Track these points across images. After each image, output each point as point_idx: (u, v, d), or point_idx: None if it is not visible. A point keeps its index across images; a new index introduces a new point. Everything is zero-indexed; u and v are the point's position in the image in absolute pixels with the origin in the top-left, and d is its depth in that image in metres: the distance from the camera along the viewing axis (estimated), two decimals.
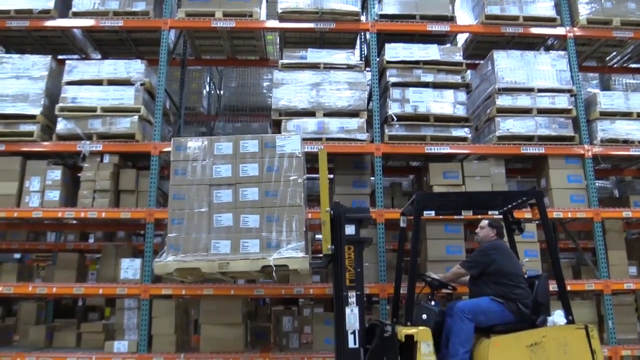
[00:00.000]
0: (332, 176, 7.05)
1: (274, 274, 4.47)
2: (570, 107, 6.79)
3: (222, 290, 6.15)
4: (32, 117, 6.54)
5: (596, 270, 6.55)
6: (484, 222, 5.06)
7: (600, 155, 6.78)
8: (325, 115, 6.51)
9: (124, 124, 6.47)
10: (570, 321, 4.60)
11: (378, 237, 6.21)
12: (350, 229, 4.71)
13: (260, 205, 4.70)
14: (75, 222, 7.64)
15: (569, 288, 6.43)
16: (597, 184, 6.79)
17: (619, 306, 6.49)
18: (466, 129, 6.68)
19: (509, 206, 5.36)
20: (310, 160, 7.84)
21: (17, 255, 11.89)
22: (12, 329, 7.38)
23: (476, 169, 6.63)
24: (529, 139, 6.71)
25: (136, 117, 6.46)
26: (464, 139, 6.64)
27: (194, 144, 4.86)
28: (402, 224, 5.39)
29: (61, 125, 6.52)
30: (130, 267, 6.18)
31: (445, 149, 6.52)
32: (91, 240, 10.05)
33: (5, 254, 11.09)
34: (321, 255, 4.79)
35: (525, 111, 6.76)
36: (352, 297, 4.59)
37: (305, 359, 5.85)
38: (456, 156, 7.00)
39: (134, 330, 6.18)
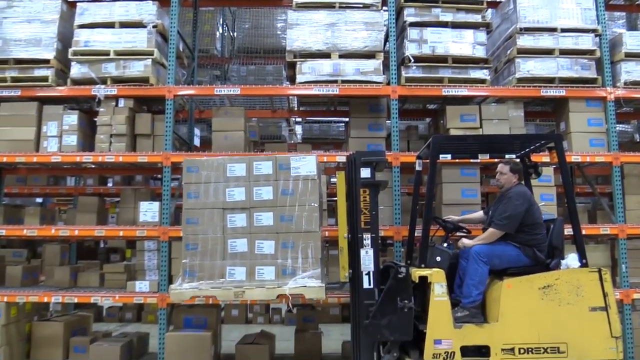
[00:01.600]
0: (347, 119, 7.00)
1: (289, 303, 4.51)
2: (594, 47, 6.56)
3: None
4: (46, 61, 6.51)
5: (612, 214, 6.52)
6: (505, 168, 4.93)
7: (622, 98, 6.60)
8: (341, 56, 6.39)
9: (137, 68, 6.42)
10: (584, 264, 4.62)
11: (393, 180, 6.21)
12: (365, 172, 4.71)
13: (275, 231, 4.62)
14: (93, 166, 7.72)
15: (584, 232, 6.47)
16: (617, 128, 6.65)
17: (633, 250, 6.51)
18: (485, 71, 6.53)
19: (527, 150, 5.30)
20: (326, 103, 7.85)
21: (38, 200, 12.18)
22: (38, 270, 7.66)
23: (494, 112, 6.51)
24: (549, 81, 6.54)
25: (149, 60, 6.40)
26: (482, 81, 6.49)
27: (206, 164, 4.73)
28: (417, 168, 5.37)
29: (75, 70, 6.49)
30: (149, 210, 6.29)
31: (463, 92, 6.40)
32: (110, 184, 10.23)
33: (27, 198, 11.37)
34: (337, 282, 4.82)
35: (547, 52, 6.55)
36: (367, 239, 4.65)
37: None
38: (474, 99, 6.87)
39: (154, 270, 6.38)
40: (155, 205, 6.30)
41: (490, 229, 4.77)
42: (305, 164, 4.67)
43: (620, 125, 8.99)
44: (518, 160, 5.28)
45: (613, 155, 6.40)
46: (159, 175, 7.17)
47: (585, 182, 7.88)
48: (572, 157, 6.33)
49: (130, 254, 9.40)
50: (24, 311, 6.47)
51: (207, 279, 4.55)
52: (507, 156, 5.42)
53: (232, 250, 4.59)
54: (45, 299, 6.27)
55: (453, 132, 6.37)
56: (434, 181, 4.93)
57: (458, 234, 5.29)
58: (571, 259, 4.70)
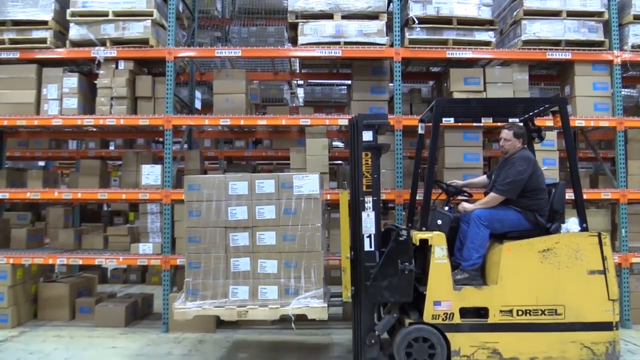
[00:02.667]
0: (349, 82, 6.93)
1: (292, 324, 4.49)
2: (603, 9, 6.42)
3: None
4: (44, 22, 6.40)
5: (614, 179, 6.52)
6: (509, 134, 4.87)
7: (629, 62, 6.49)
8: (344, 17, 6.27)
9: (137, 29, 6.32)
10: (584, 229, 4.65)
11: (396, 143, 6.19)
12: (367, 135, 4.68)
13: (278, 250, 4.57)
14: (94, 129, 7.73)
15: (585, 197, 6.49)
16: (622, 93, 6.57)
17: (633, 215, 6.54)
18: (490, 33, 6.42)
19: (531, 114, 5.25)
20: (328, 66, 7.76)
21: (41, 163, 12.22)
22: (42, 233, 7.73)
23: (498, 75, 6.44)
24: (555, 43, 6.44)
25: (149, 21, 6.29)
26: (487, 44, 6.40)
27: (208, 182, 4.65)
28: (420, 131, 5.34)
29: (74, 31, 6.39)
30: (151, 173, 6.30)
31: (468, 54, 6.31)
32: (112, 148, 10.21)
33: (30, 161, 11.40)
34: (340, 298, 4.79)
35: (554, 14, 6.42)
36: (368, 202, 4.65)
37: None
38: (478, 62, 6.78)
39: (157, 233, 6.44)
40: (157, 168, 6.31)
41: (492, 194, 4.77)
42: (308, 182, 4.61)
43: (626, 90, 8.89)
44: (522, 124, 5.25)
45: (617, 120, 6.35)
46: (161, 139, 7.15)
47: (588, 146, 7.86)
48: (576, 122, 6.29)
49: (133, 217, 9.51)
50: (29, 273, 6.58)
51: (210, 298, 4.55)
52: (510, 120, 5.38)
53: (235, 269, 4.58)
54: (51, 261, 6.36)
55: (456, 95, 6.31)
56: (437, 144, 4.91)
57: (459, 197, 5.31)
58: (571, 223, 4.72)
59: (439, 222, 4.68)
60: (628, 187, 6.35)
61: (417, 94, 7.37)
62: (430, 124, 4.88)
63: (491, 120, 5.64)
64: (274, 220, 4.59)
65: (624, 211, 6.29)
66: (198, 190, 4.63)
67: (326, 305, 4.48)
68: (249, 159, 10.29)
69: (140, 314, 6.73)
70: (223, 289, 4.57)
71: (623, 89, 6.85)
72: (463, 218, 4.83)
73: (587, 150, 9.06)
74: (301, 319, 4.48)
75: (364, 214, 4.64)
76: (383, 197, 5.80)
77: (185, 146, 7.48)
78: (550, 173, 6.14)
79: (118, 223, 9.72)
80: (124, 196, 6.41)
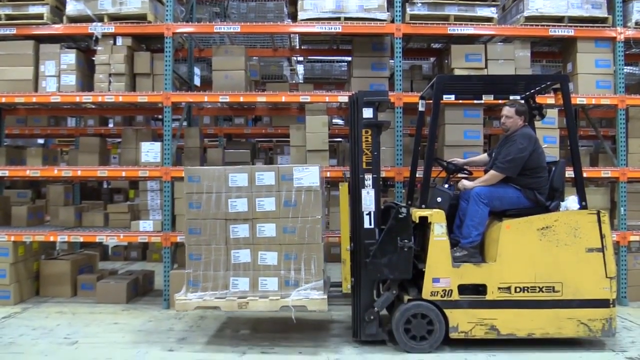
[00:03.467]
0: (350, 59, 6.87)
1: (292, 315, 4.50)
2: None
3: None
4: None
5: (614, 157, 6.51)
6: (510, 111, 4.85)
7: (632, 39, 6.43)
8: None
9: (134, 4, 6.23)
10: (583, 207, 4.66)
11: (396, 120, 6.16)
12: (368, 112, 4.67)
13: (278, 242, 4.58)
14: (93, 106, 7.68)
15: (585, 175, 6.48)
16: (625, 70, 6.52)
17: (633, 193, 6.54)
18: (492, 9, 6.34)
19: (532, 91, 5.22)
20: (328, 42, 7.68)
21: (40, 141, 12.18)
22: (43, 210, 7.75)
23: (500, 52, 6.37)
24: (558, 20, 6.36)
25: None
26: (489, 19, 6.32)
27: (208, 173, 4.63)
28: (420, 108, 5.31)
29: (71, 7, 6.31)
30: (150, 151, 6.28)
31: (469, 30, 6.23)
32: (111, 125, 10.18)
33: (29, 139, 11.36)
34: (340, 289, 4.83)
35: None
36: (368, 179, 4.67)
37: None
38: (480, 38, 6.70)
39: (157, 210, 6.45)
40: (157, 145, 6.28)
41: (492, 171, 4.77)
42: (308, 174, 4.59)
43: (628, 67, 8.81)
44: (523, 101, 5.22)
45: (619, 98, 6.31)
46: (160, 116, 7.12)
47: (589, 124, 7.83)
48: (578, 99, 6.25)
49: (133, 195, 9.51)
50: (31, 250, 6.61)
51: (211, 289, 4.59)
52: (511, 97, 5.35)
53: (235, 260, 4.61)
54: (52, 238, 6.38)
55: (458, 72, 6.26)
56: (437, 122, 4.89)
57: (459, 175, 5.30)
58: (571, 201, 4.74)
59: (439, 199, 4.70)
60: (628, 166, 6.35)
61: (417, 70, 7.31)
62: (431, 101, 4.85)
63: (492, 98, 5.61)
64: (274, 212, 4.60)
65: (624, 189, 6.29)
66: (198, 182, 4.63)
67: (326, 297, 4.52)
68: (248, 136, 10.26)
69: (141, 290, 6.79)
70: (224, 280, 4.60)
71: (625, 67, 6.79)
72: (463, 196, 4.84)
73: (587, 128, 9.04)
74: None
75: (363, 192, 4.65)
76: (383, 174, 5.80)
77: (185, 123, 7.45)
78: (551, 151, 6.12)
79: (118, 200, 9.74)
80: (123, 174, 6.40)
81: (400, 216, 4.57)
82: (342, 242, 4.78)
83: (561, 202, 4.75)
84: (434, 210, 4.60)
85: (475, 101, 6.09)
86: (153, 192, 6.51)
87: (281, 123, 9.04)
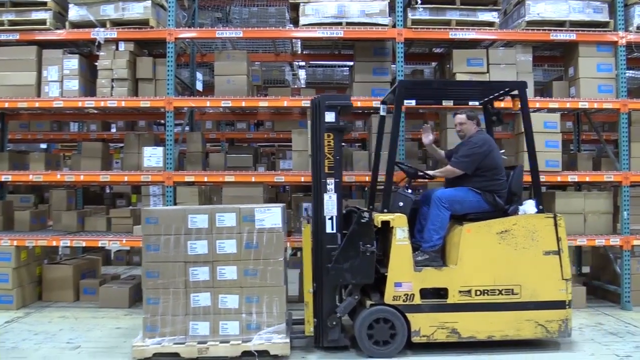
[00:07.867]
0: (351, 63, 6.88)
1: (256, 359, 4.40)
2: None
3: (243, 177, 6.30)
4: (43, 3, 6.34)
5: (617, 162, 6.50)
6: (462, 117, 4.99)
7: (634, 43, 6.43)
8: None
9: (137, 10, 6.26)
10: (540, 210, 4.73)
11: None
12: (330, 116, 4.63)
13: (239, 285, 4.47)
14: (96, 111, 7.70)
15: (588, 179, 6.50)
16: (627, 74, 6.52)
17: (636, 197, 6.52)
18: (494, 13, 6.34)
19: (491, 97, 5.32)
20: (330, 47, 7.69)
21: (43, 146, 12.22)
22: (46, 215, 7.77)
23: (502, 57, 6.38)
24: (559, 24, 6.36)
25: (149, 1, 6.22)
26: (490, 24, 6.33)
27: (166, 214, 4.54)
28: (381, 113, 5.37)
29: (73, 12, 6.35)
30: (153, 155, 6.29)
31: (471, 34, 6.24)
32: (113, 130, 10.20)
33: (32, 144, 11.39)
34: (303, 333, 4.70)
35: None
36: (330, 184, 4.63)
37: None
38: (481, 42, 6.72)
39: None
40: (159, 150, 6.30)
41: (448, 166, 4.91)
42: (270, 216, 4.51)
43: (630, 71, 8.81)
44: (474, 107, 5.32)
45: (621, 102, 6.31)
46: (162, 121, 7.14)
47: (591, 128, 7.82)
48: (580, 103, 6.27)
49: (135, 199, 9.52)
50: (34, 255, 6.62)
51: (169, 335, 4.44)
52: (470, 103, 5.48)
53: (195, 304, 4.46)
54: (54, 243, 6.39)
55: (459, 76, 6.27)
56: (399, 126, 4.90)
57: (420, 180, 5.31)
58: (529, 205, 4.80)
59: (401, 204, 4.72)
60: (631, 170, 6.33)
61: (419, 75, 7.33)
62: (393, 106, 4.87)
63: (452, 103, 5.70)
64: (235, 255, 4.51)
65: (627, 193, 6.28)
66: (156, 223, 4.51)
67: (288, 340, 4.48)
68: (250, 140, 10.28)
69: None
70: (183, 325, 4.47)
71: (627, 71, 6.80)
72: (424, 200, 4.92)
73: (590, 132, 9.03)
74: None
75: (325, 196, 4.62)
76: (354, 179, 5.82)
77: (187, 128, 7.47)
78: (553, 155, 6.16)
79: (120, 205, 9.75)
80: (126, 178, 6.42)
81: (362, 221, 4.56)
82: (305, 284, 4.68)
83: (519, 207, 4.80)
84: (396, 214, 4.60)
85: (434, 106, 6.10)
86: (155, 196, 6.52)
87: (283, 128, 9.05)
